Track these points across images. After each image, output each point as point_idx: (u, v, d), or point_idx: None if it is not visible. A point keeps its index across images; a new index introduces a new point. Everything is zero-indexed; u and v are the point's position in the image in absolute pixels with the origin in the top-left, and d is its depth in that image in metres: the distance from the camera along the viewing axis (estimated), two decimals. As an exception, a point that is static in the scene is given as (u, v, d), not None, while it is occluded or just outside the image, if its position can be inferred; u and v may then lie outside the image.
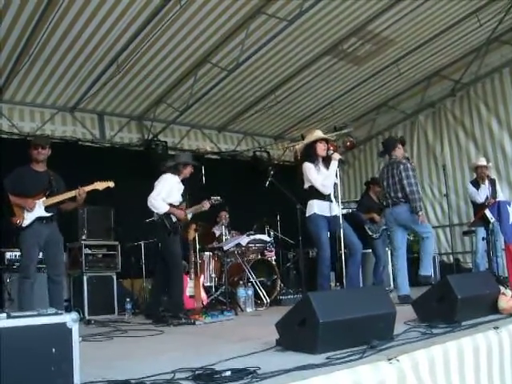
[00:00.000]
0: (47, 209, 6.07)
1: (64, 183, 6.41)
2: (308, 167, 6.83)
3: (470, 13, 9.56)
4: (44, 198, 6.06)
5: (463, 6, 9.30)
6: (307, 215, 6.90)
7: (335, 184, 6.90)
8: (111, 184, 6.41)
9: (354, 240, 6.84)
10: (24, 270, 6.05)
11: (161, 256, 7.39)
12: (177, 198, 7.31)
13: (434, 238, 11.98)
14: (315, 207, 6.79)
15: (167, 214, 7.13)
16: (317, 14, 8.56)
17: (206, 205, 7.57)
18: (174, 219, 7.18)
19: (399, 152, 7.53)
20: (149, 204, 7.14)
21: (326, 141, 7.01)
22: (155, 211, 7.16)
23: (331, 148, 6.97)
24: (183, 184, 7.48)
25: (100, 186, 6.33)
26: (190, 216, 7.66)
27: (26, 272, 5.99)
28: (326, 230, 6.77)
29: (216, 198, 7.78)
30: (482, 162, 9.44)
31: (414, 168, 7.55)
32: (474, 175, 9.62)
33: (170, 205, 7.17)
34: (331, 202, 6.81)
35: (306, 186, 6.90)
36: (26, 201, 5.98)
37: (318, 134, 7.07)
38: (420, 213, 7.12)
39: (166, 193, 7.19)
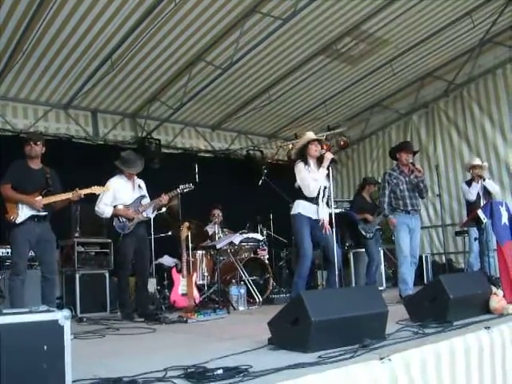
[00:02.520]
0: (42, 208, 6.06)
1: (59, 180, 6.40)
2: (299, 167, 6.83)
3: (463, 14, 9.60)
4: (40, 197, 6.05)
5: (457, 7, 9.33)
6: (292, 213, 6.94)
7: (325, 187, 6.87)
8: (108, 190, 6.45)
9: (334, 250, 6.71)
10: (14, 267, 6.05)
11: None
12: (125, 200, 7.39)
13: (427, 239, 12.13)
14: (300, 207, 6.80)
15: (114, 217, 7.28)
16: (311, 13, 8.57)
17: (164, 198, 7.50)
18: (122, 219, 7.26)
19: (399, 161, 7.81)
20: (96, 213, 7.44)
21: (319, 141, 7.01)
22: (102, 217, 7.41)
23: (324, 147, 6.98)
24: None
25: (97, 190, 6.39)
26: (149, 213, 7.61)
27: (16, 269, 5.99)
28: (307, 230, 6.76)
29: (184, 187, 7.74)
30: (477, 161, 9.46)
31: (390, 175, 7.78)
32: (468, 175, 9.63)
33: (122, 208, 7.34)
34: (318, 205, 6.78)
35: (296, 185, 6.91)
36: (35, 200, 5.99)
37: (310, 135, 7.07)
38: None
39: (109, 198, 7.32)
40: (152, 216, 7.76)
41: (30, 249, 6.16)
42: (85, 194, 6.26)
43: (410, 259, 7.41)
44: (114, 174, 7.45)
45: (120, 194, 7.37)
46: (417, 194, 7.69)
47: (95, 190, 6.34)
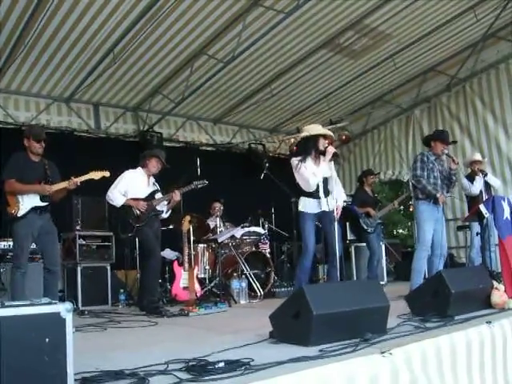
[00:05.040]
0: (42, 198, 6.06)
1: (58, 171, 6.38)
2: (295, 165, 6.74)
3: (467, 8, 9.56)
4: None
5: (460, 1, 9.30)
6: (298, 210, 6.85)
7: (326, 179, 6.77)
8: (106, 173, 6.39)
9: (335, 243, 6.66)
10: (16, 260, 6.05)
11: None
12: (138, 193, 7.41)
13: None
14: (302, 204, 6.74)
15: (128, 208, 7.28)
16: (314, 7, 8.56)
17: (176, 195, 7.51)
18: (137, 212, 7.27)
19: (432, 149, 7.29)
20: (107, 198, 7.43)
21: (325, 136, 6.94)
22: (112, 204, 7.40)
23: (327, 142, 6.92)
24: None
25: (95, 175, 6.30)
26: (163, 209, 7.64)
27: (17, 262, 5.99)
28: (311, 225, 6.69)
29: (198, 182, 7.76)
30: (478, 157, 9.44)
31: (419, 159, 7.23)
32: (469, 170, 9.62)
33: (133, 199, 7.35)
34: (319, 198, 6.71)
35: (297, 181, 6.84)
36: (44, 187, 6.01)
37: (320, 127, 6.98)
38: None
39: (124, 187, 7.37)
40: (166, 216, 7.76)
41: (31, 242, 6.16)
42: (82, 182, 6.20)
43: (439, 251, 7.08)
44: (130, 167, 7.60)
45: (134, 187, 7.39)
46: (444, 186, 7.24)
47: (93, 175, 6.28)
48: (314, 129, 6.90)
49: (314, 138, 6.75)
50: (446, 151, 7.27)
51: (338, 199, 6.61)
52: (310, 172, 6.60)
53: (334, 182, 6.68)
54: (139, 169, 7.54)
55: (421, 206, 7.08)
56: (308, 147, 6.76)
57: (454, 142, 8.07)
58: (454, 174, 7.29)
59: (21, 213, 5.94)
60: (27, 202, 5.98)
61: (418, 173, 7.06)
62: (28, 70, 9.10)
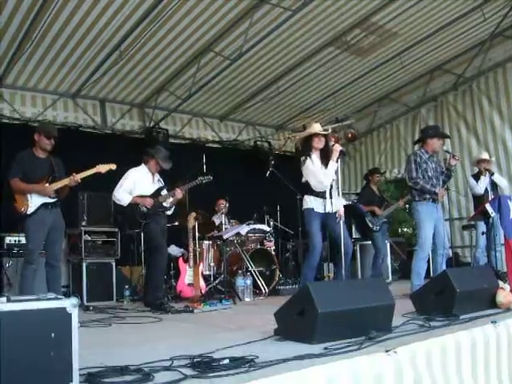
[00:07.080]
0: (53, 194, 6.07)
1: (64, 168, 6.38)
2: (306, 164, 6.74)
3: (474, 7, 9.52)
4: (47, 184, 6.05)
5: (468, 0, 9.26)
6: (303, 208, 6.89)
7: (333, 179, 6.78)
8: (113, 166, 6.36)
9: (346, 242, 6.68)
10: (28, 255, 6.05)
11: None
12: (144, 190, 7.41)
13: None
14: (310, 202, 6.75)
15: (135, 206, 7.28)
16: (321, 4, 8.54)
17: (178, 192, 7.48)
18: (143, 209, 7.28)
19: (427, 147, 7.19)
20: (113, 198, 7.42)
21: (325, 134, 6.95)
22: (118, 203, 7.37)
23: (333, 140, 6.93)
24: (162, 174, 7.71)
25: (102, 168, 6.28)
26: (167, 204, 7.62)
27: (30, 257, 5.99)
28: (317, 223, 6.70)
29: (203, 178, 7.75)
30: (485, 155, 9.42)
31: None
32: (475, 169, 9.60)
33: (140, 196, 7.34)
34: (325, 198, 6.72)
35: (304, 180, 6.84)
36: (45, 187, 6.00)
37: (316, 127, 6.98)
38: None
39: (129, 186, 7.36)
40: (170, 212, 7.76)
41: (44, 238, 6.13)
42: (87, 177, 6.18)
43: (442, 251, 7.07)
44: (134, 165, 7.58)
45: (140, 185, 7.39)
46: (440, 181, 7.18)
47: (100, 168, 6.24)
48: (311, 128, 6.97)
49: (309, 138, 6.84)
50: (445, 147, 7.24)
51: (338, 204, 6.67)
52: (322, 172, 6.62)
53: (339, 183, 6.71)
54: (142, 166, 7.54)
55: (419, 206, 7.07)
56: (306, 146, 6.88)
57: (448, 137, 8.04)
58: (453, 169, 7.33)
59: (30, 210, 5.96)
60: (36, 199, 6.00)
61: (414, 174, 7.03)
62: (35, 65, 9.11)
